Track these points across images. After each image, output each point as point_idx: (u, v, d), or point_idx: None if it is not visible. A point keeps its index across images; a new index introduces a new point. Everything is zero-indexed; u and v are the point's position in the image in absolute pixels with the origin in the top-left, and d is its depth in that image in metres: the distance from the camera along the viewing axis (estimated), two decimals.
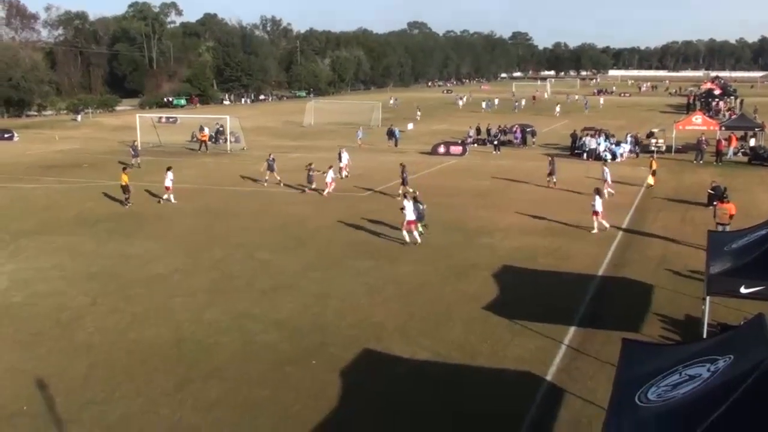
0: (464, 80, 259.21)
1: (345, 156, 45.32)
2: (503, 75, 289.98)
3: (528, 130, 65.91)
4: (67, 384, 15.35)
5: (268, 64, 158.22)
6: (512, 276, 23.22)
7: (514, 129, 65.02)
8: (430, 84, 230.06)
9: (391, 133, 65.49)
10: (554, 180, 40.65)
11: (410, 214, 27.28)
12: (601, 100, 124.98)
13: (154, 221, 31.64)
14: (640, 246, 27.25)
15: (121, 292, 21.87)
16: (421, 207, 28.49)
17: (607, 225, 29.40)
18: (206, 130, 65.68)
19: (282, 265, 24.69)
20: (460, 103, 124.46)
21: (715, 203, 28.18)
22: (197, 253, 26.20)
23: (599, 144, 53.74)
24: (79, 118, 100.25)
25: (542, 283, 22.61)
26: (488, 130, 65.28)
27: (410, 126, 78.78)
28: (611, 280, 23.02)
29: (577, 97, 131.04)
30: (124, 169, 35.38)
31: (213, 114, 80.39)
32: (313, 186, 38.24)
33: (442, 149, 57.00)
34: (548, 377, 15.67)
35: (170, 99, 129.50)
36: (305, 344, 17.58)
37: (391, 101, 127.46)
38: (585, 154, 53.30)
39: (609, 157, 51.80)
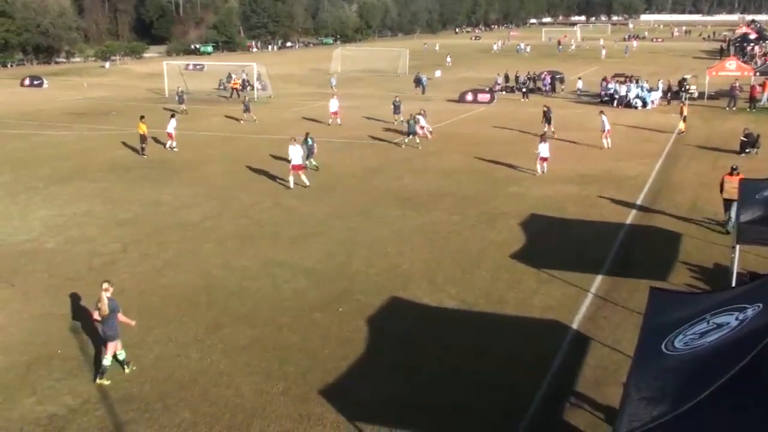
0: (493, 26, 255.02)
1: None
2: (533, 21, 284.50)
3: (557, 77, 64.94)
4: (98, 329, 15.66)
5: (295, 10, 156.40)
6: (540, 224, 23.16)
7: (543, 76, 64.13)
8: (458, 30, 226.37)
9: (418, 81, 64.93)
10: (552, 129, 39.92)
11: (296, 158, 27.78)
12: (635, 44, 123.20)
13: (183, 169, 31.83)
14: (670, 194, 27.00)
15: (153, 238, 22.15)
16: (310, 143, 30.14)
17: (540, 172, 29.70)
18: (244, 76, 65.80)
19: (309, 212, 24.81)
20: (495, 47, 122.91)
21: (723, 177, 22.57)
22: (226, 201, 26.39)
23: (629, 91, 52.89)
24: (107, 65, 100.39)
25: (570, 231, 22.53)
26: (517, 77, 64.47)
27: (438, 73, 77.95)
28: (640, 228, 22.87)
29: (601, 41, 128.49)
30: (141, 118, 35.32)
31: (239, 61, 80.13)
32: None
33: (469, 97, 56.49)
34: (574, 325, 15.71)
35: (197, 46, 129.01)
36: (333, 291, 17.75)
37: (424, 46, 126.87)
38: (615, 102, 52.55)
39: (639, 104, 51.10)
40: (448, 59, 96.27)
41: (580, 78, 63.37)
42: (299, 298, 17.34)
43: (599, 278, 18.34)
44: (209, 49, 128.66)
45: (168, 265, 19.70)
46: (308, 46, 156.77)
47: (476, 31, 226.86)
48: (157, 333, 15.38)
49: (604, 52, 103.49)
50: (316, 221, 23.74)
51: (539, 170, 29.81)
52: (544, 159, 29.78)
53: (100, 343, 14.25)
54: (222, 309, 16.73)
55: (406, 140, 35.68)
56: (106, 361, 13.57)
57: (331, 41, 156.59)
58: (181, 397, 12.87)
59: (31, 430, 11.90)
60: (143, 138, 34.84)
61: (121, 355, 13.85)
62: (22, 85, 72.87)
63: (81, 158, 34.74)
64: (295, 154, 27.94)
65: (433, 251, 20.71)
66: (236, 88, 61.62)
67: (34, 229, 23.09)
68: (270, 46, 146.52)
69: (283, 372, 13.75)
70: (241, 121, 43.34)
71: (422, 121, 37.74)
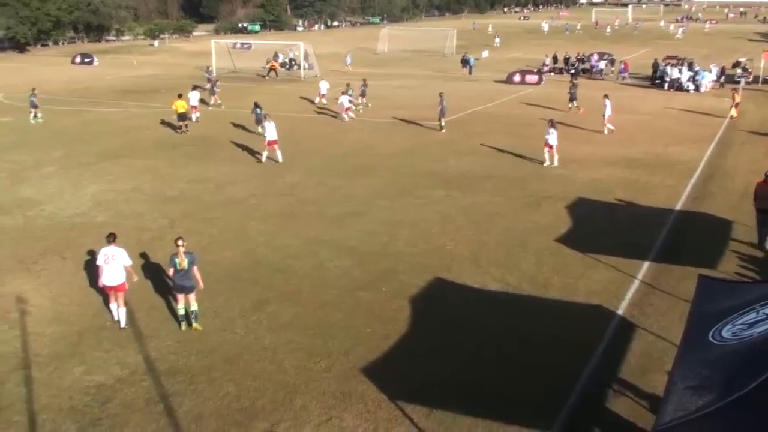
0: (541, 6, 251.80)
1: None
2: (582, 0, 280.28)
3: (606, 58, 63.94)
4: (147, 301, 15.94)
5: None
6: (587, 208, 22.91)
7: (592, 57, 63.19)
8: (506, 10, 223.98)
9: (465, 61, 64.48)
10: (575, 105, 40.55)
11: (271, 134, 28.73)
12: (685, 26, 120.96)
13: (229, 146, 32.09)
14: (721, 180, 26.50)
15: (199, 214, 22.42)
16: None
17: (549, 162, 28.47)
18: (280, 58, 66.16)
19: (353, 192, 24.87)
20: (546, 27, 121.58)
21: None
22: (271, 179, 26.57)
23: (681, 74, 51.86)
24: (156, 43, 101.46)
25: (618, 215, 22.26)
26: (566, 59, 63.64)
27: (485, 54, 77.31)
28: (690, 214, 22.50)
29: (634, 23, 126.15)
30: (179, 96, 35.64)
31: (286, 40, 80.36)
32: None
33: (517, 78, 55.95)
34: (620, 311, 15.53)
35: (244, 25, 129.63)
36: (376, 271, 17.79)
37: (473, 25, 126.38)
38: (666, 84, 51.60)
39: (692, 87, 50.10)
40: (497, 40, 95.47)
41: (622, 61, 62.12)
42: (342, 277, 17.43)
43: (646, 264, 18.10)
44: (256, 27, 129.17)
45: (213, 242, 19.93)
46: (355, 25, 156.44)
47: (525, 11, 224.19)
48: (203, 308, 15.54)
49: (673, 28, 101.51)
50: (359, 201, 23.79)
51: (547, 160, 28.41)
52: (551, 147, 28.30)
53: (180, 295, 14.64)
54: (266, 286, 16.89)
55: (442, 122, 35.29)
56: (181, 310, 14.53)
57: (378, 20, 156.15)
58: (226, 371, 13.04)
59: (80, 399, 12.17)
60: (182, 116, 35.20)
61: (181, 311, 14.59)
62: (73, 62, 74.05)
63: (130, 135, 35.23)
64: (270, 130, 28.87)
65: (478, 233, 20.63)
66: (274, 69, 61.80)
67: (85, 204, 23.52)
68: (317, 25, 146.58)
69: (326, 349, 13.85)
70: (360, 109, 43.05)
71: (344, 100, 38.75)
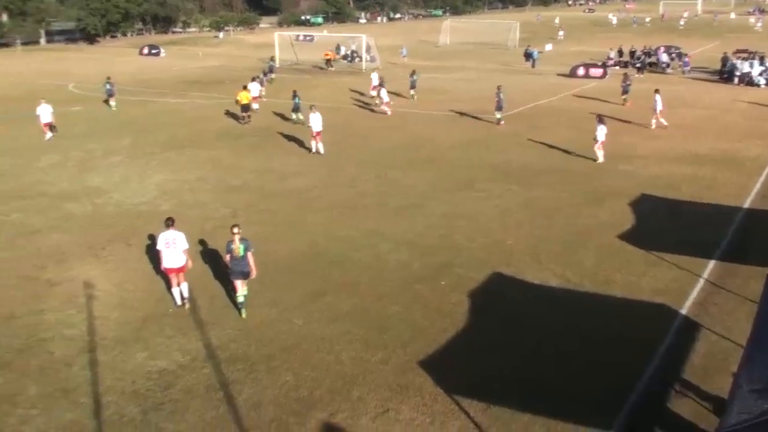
0: None
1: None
2: None
3: (674, 51, 62.49)
4: (209, 289, 16.21)
5: None
6: (651, 204, 22.45)
7: (659, 51, 61.86)
8: (570, 2, 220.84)
9: (528, 55, 63.83)
10: (624, 98, 40.49)
11: (316, 125, 28.77)
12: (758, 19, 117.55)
13: (290, 138, 32.38)
14: None
15: (261, 204, 22.69)
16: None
17: (601, 158, 27.70)
18: (342, 50, 66.55)
19: (412, 184, 24.85)
20: (614, 20, 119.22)
21: None
22: (331, 170, 26.72)
23: (752, 68, 50.41)
24: (221, 35, 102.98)
25: (683, 212, 21.75)
26: (632, 52, 62.46)
27: (549, 47, 76.42)
28: (759, 212, 21.86)
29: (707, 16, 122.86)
30: (244, 87, 36.40)
31: (348, 33, 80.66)
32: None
33: (581, 71, 55.14)
34: (683, 311, 15.19)
35: (307, 17, 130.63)
36: (435, 264, 17.75)
37: (537, 17, 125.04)
38: (736, 79, 50.23)
39: (762, 82, 48.71)
40: (561, 33, 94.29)
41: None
42: (401, 269, 17.44)
43: (712, 263, 17.65)
44: (319, 20, 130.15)
45: (274, 232, 20.14)
46: (417, 17, 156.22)
47: (590, 3, 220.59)
48: (263, 297, 15.78)
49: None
50: (419, 193, 23.76)
51: (600, 157, 27.68)
52: (601, 142, 27.57)
53: (234, 281, 14.96)
54: (325, 277, 17.00)
55: (498, 116, 34.95)
56: (241, 296, 14.88)
57: (440, 13, 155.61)
58: (284, 360, 13.18)
59: (143, 383, 12.45)
60: (246, 107, 35.71)
61: (240, 298, 14.94)
62: (140, 53, 75.74)
63: (194, 126, 35.84)
64: (315, 121, 28.89)
65: (538, 228, 20.41)
66: (330, 59, 62.24)
67: (150, 193, 24.02)
68: (379, 18, 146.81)
69: (384, 341, 13.89)
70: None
71: (383, 93, 39.03)
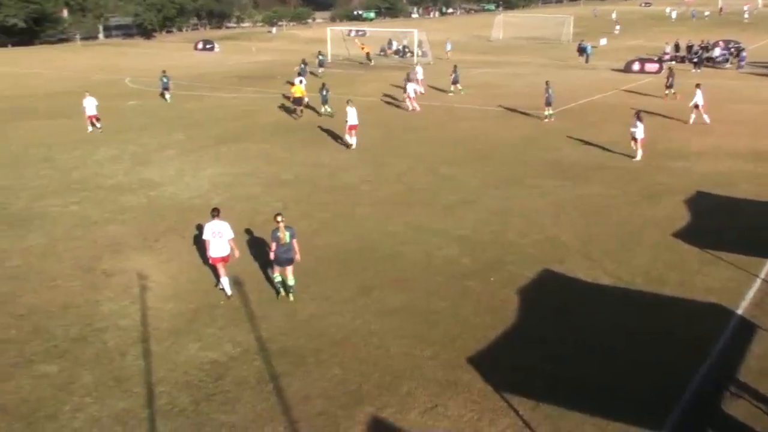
0: None
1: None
2: None
3: (732, 46, 61.02)
4: (260, 282, 16.36)
5: None
6: (707, 202, 21.99)
7: (717, 45, 60.48)
8: None
9: (581, 49, 63.01)
10: (673, 92, 39.77)
11: (352, 119, 29.26)
12: None
13: (341, 132, 32.44)
14: None
15: (311, 198, 22.83)
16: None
17: (639, 156, 27.01)
18: (394, 45, 66.64)
19: (464, 180, 24.74)
20: (673, 14, 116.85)
21: None
22: (382, 165, 26.75)
23: None
24: (274, 30, 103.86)
25: (740, 211, 21.26)
26: (689, 47, 61.19)
27: (603, 41, 75.32)
28: None
29: None
30: (301, 81, 37.11)
31: (401, 28, 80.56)
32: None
33: (636, 66, 54.24)
34: (739, 311, 14.84)
35: (360, 12, 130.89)
36: (485, 260, 17.65)
37: (594, 11, 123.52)
38: None
39: None
40: (617, 27, 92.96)
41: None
42: (451, 265, 17.38)
43: None
44: (371, 15, 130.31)
45: (325, 226, 20.25)
46: (470, 12, 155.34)
47: None
48: (313, 291, 15.88)
49: None
50: (470, 189, 23.65)
51: (638, 156, 26.98)
52: (636, 140, 26.93)
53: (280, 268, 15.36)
54: (374, 272, 17.03)
55: (547, 112, 34.58)
56: (291, 281, 15.34)
57: (493, 7, 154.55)
58: (333, 354, 13.25)
59: (195, 374, 12.63)
60: (299, 100, 36.00)
61: (278, 278, 15.47)
62: (195, 48, 76.78)
63: (247, 120, 36.22)
64: (351, 115, 29.31)
65: (591, 225, 20.15)
66: (368, 53, 62.41)
67: (203, 186, 24.34)
68: (432, 13, 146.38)
69: (433, 337, 13.87)
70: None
71: (409, 88, 38.28)
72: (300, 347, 13.52)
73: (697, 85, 33.80)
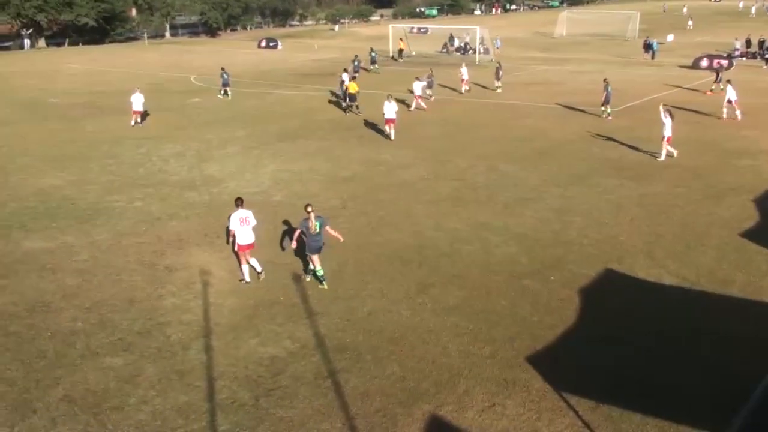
0: None
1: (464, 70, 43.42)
2: None
3: None
4: (316, 281, 16.46)
5: None
6: None
7: None
8: None
9: (648, 46, 61.79)
10: (721, 87, 39.02)
11: (389, 113, 30.39)
12: None
13: (402, 130, 32.43)
14: None
15: (370, 196, 22.90)
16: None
17: (674, 151, 26.12)
18: (456, 42, 66.42)
19: (524, 177, 24.52)
20: (753, 9, 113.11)
21: None
22: (441, 163, 26.67)
23: None
24: (336, 27, 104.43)
25: None
26: (761, 42, 59.47)
27: (670, 38, 73.74)
28: None
29: None
30: (353, 78, 37.27)
31: (463, 25, 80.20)
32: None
33: (704, 63, 52.93)
34: None
35: (422, 9, 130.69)
36: (545, 259, 17.48)
37: (663, 6, 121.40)
38: None
39: None
40: (690, 23, 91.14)
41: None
42: (510, 264, 17.25)
43: None
44: (434, 12, 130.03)
45: (383, 223, 20.29)
46: (533, 9, 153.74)
47: None
48: (371, 288, 15.94)
49: None
50: (530, 187, 23.43)
51: (663, 155, 26.09)
52: (664, 137, 25.99)
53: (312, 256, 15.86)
54: (432, 269, 17.01)
55: (606, 110, 34.09)
56: (320, 270, 15.87)
57: (557, 4, 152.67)
58: (391, 351, 13.28)
59: (255, 369, 12.79)
60: (353, 97, 36.23)
61: (320, 272, 15.90)
62: (258, 46, 77.69)
63: (306, 117, 36.51)
64: (388, 109, 30.46)
65: (653, 224, 19.77)
66: (402, 49, 62.91)
67: (263, 183, 24.62)
68: (494, 10, 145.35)
69: (491, 335, 13.79)
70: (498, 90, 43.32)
71: (416, 87, 37.79)
72: (358, 344, 13.58)
73: (728, 81, 33.72)
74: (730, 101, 33.20)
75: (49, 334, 14.08)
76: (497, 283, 16.13)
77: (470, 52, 64.86)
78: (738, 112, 32.98)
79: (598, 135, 30.74)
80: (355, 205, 21.94)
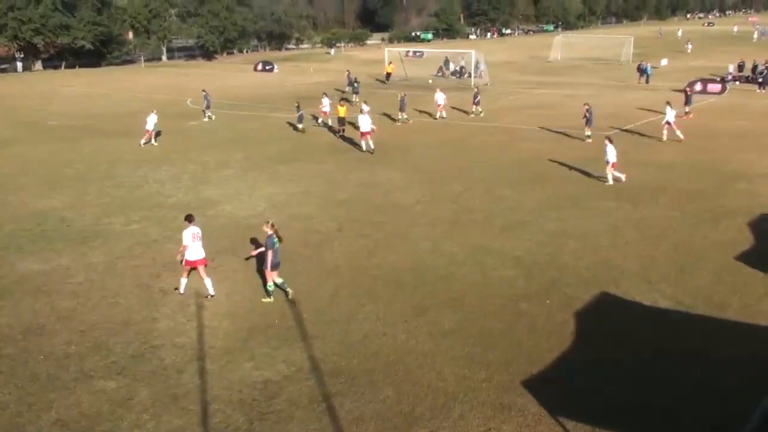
0: (729, 12, 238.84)
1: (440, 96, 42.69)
2: None
3: None
4: (314, 302, 16.44)
5: None
6: None
7: None
8: (689, 16, 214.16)
9: (642, 70, 62.17)
10: (687, 111, 40.10)
11: (364, 126, 32.21)
12: None
13: (397, 152, 32.59)
14: None
15: (366, 218, 22.90)
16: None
17: (622, 176, 26.39)
18: (451, 66, 66.64)
19: (520, 201, 24.56)
20: (755, 34, 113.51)
21: None
22: (438, 185, 26.72)
23: None
24: (332, 51, 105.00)
25: None
26: (754, 66, 59.87)
27: (664, 62, 74.20)
28: None
29: None
30: (341, 101, 37.72)
31: (458, 48, 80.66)
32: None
33: (698, 87, 53.13)
34: None
35: (417, 33, 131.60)
36: (541, 282, 17.47)
37: (659, 31, 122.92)
38: None
39: None
40: (689, 46, 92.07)
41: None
42: (506, 287, 17.24)
43: None
44: (429, 36, 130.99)
45: (379, 246, 20.28)
46: (528, 33, 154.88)
47: (709, 16, 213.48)
48: (366, 311, 15.91)
49: None
50: (526, 210, 23.46)
51: (610, 180, 26.36)
52: (608, 163, 26.30)
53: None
54: (429, 292, 16.98)
55: (589, 133, 34.45)
56: (280, 279, 16.52)
57: (552, 28, 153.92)
58: (386, 375, 13.22)
59: (249, 393, 12.72)
60: (341, 120, 36.45)
61: (279, 280, 16.59)
62: (255, 69, 78.05)
63: (303, 139, 36.63)
64: (363, 122, 32.35)
65: (649, 247, 19.79)
66: (389, 73, 63.74)
67: (259, 205, 24.62)
68: (489, 34, 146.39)
69: (487, 359, 13.74)
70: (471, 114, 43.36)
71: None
72: (353, 368, 13.53)
73: (667, 103, 34.48)
74: (669, 123, 33.84)
75: (43, 357, 14.02)
76: (493, 307, 16.10)
77: (466, 75, 65.16)
78: (679, 132, 33.60)
79: (593, 158, 30.77)
80: (351, 227, 21.94)
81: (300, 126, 38.44)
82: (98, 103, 52.25)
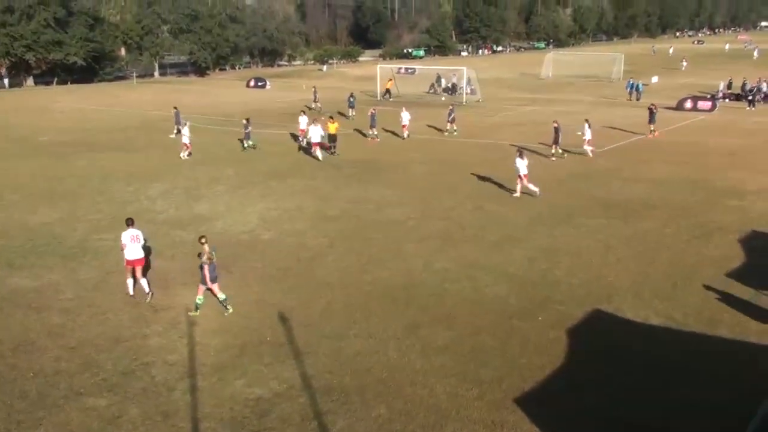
0: (718, 30, 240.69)
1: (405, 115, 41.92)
2: (764, 24, 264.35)
3: None
4: (306, 318, 16.38)
5: (508, 14, 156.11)
6: (763, 242, 21.52)
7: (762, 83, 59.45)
8: (678, 34, 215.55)
9: (632, 87, 62.55)
10: (652, 128, 40.23)
11: (315, 136, 34.05)
12: None
13: (389, 169, 32.60)
14: None
15: (358, 234, 22.87)
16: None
17: (536, 189, 26.76)
18: (443, 82, 66.85)
19: (511, 217, 24.58)
20: (756, 53, 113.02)
21: None
22: (429, 202, 26.72)
23: None
24: (324, 68, 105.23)
25: None
26: (743, 84, 60.29)
27: (654, 79, 74.65)
28: None
29: None
30: (330, 118, 37.41)
31: (450, 65, 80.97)
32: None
33: (688, 104, 53.59)
34: None
35: (409, 50, 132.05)
36: (533, 299, 17.46)
37: (653, 49, 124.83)
38: None
39: None
40: (684, 63, 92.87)
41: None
42: (499, 303, 17.22)
43: None
44: (421, 53, 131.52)
45: (371, 262, 20.25)
46: (519, 50, 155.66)
47: (699, 34, 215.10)
48: (358, 327, 15.85)
49: None
50: (518, 226, 23.48)
51: (517, 191, 27.04)
52: (520, 177, 26.82)
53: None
54: (421, 309, 16.94)
55: (555, 150, 34.69)
56: (222, 295, 16.65)
57: (543, 45, 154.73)
58: (378, 392, 13.16)
59: (240, 410, 12.64)
60: (332, 137, 36.44)
61: (222, 296, 16.71)
62: (247, 86, 78.09)
63: (294, 155, 36.59)
64: (315, 132, 34.11)
65: (641, 264, 19.83)
66: (388, 89, 63.77)
67: (251, 221, 24.56)
68: (480, 51, 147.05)
69: (479, 376, 13.70)
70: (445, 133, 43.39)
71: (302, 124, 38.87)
72: (345, 385, 13.46)
73: (586, 120, 34.97)
74: (585, 140, 34.46)
75: (32, 374, 13.91)
76: (486, 323, 16.06)
77: (458, 92, 65.38)
78: (589, 148, 34.53)
79: (584, 174, 30.94)
80: (343, 243, 21.90)
81: (247, 143, 38.24)
82: (90, 119, 52.13)
